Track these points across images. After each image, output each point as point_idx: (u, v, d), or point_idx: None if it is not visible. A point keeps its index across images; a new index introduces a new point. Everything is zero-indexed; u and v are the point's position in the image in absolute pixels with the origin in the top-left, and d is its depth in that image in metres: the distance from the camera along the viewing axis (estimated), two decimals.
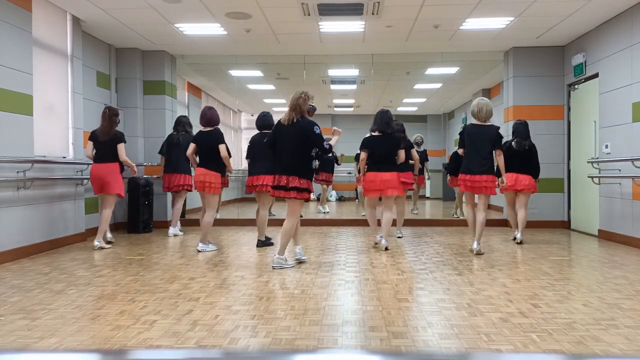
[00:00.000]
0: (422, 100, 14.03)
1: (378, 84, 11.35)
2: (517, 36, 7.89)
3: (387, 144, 6.08)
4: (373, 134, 6.17)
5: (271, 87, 12.09)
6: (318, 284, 4.31)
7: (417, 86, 12.05)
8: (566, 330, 3.08)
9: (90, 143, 6.33)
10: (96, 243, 6.30)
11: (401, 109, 15.77)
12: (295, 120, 4.99)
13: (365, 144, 6.14)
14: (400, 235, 7.21)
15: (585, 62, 7.67)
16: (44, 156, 6.17)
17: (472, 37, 7.94)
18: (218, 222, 9.16)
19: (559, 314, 3.40)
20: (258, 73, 10.85)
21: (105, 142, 6.25)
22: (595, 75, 7.39)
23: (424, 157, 9.77)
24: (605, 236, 7.07)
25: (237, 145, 14.63)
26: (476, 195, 6.00)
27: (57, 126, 6.60)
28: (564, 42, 8.28)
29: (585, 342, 2.89)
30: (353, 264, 5.23)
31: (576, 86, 8.12)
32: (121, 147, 6.27)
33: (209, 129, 6.11)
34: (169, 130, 8.87)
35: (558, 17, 6.93)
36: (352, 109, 15.02)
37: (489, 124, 5.93)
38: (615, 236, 6.81)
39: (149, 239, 7.30)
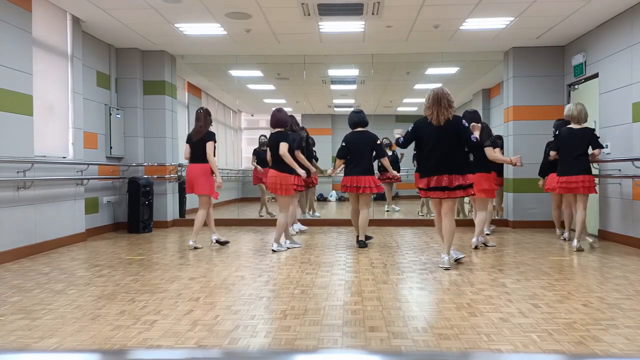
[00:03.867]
0: (422, 100, 14.00)
1: (378, 84, 11.35)
2: (517, 36, 7.89)
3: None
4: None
5: (271, 87, 12.10)
6: (318, 284, 4.31)
7: (417, 86, 12.05)
8: (566, 330, 3.08)
9: (187, 146, 6.33)
10: (190, 243, 6.29)
11: (401, 109, 15.76)
12: (450, 118, 4.99)
13: None
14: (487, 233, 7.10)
15: (585, 62, 7.67)
16: (44, 156, 6.17)
17: (472, 37, 7.94)
18: (219, 222, 9.16)
19: (559, 314, 3.40)
20: (258, 73, 10.86)
21: (197, 143, 6.26)
22: (595, 75, 7.38)
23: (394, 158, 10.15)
24: (605, 236, 7.07)
25: (237, 145, 14.64)
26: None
27: (57, 126, 6.60)
28: (564, 42, 8.28)
29: (585, 342, 2.89)
30: (353, 264, 5.23)
31: (576, 86, 8.11)
32: (209, 146, 6.21)
33: (277, 130, 6.12)
34: (169, 130, 8.87)
35: (558, 17, 6.93)
36: (352, 109, 15.00)
37: (584, 126, 6.14)
38: (615, 236, 6.81)
39: (149, 239, 7.31)
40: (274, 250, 6.02)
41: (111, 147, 8.12)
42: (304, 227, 7.97)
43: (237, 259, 5.61)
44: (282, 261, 5.42)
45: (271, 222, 7.55)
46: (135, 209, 7.96)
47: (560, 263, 5.30)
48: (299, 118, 16.86)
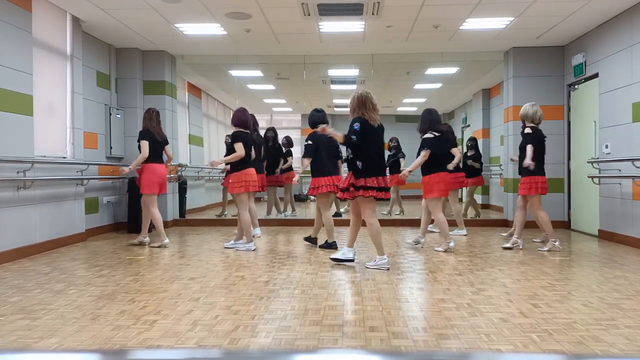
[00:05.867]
0: (422, 100, 14.03)
1: (378, 84, 11.35)
2: (517, 36, 7.89)
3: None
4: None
5: (271, 87, 12.10)
6: (318, 284, 4.31)
7: (417, 86, 12.05)
8: (566, 330, 3.08)
9: (147, 144, 6.33)
10: (166, 241, 6.45)
11: (401, 109, 15.77)
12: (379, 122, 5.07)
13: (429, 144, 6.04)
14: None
15: (585, 62, 7.67)
16: (44, 156, 6.17)
17: (472, 37, 7.94)
18: (220, 222, 9.16)
19: (559, 314, 3.40)
20: (258, 73, 10.85)
21: (162, 143, 6.50)
22: (595, 75, 7.38)
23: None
24: (605, 236, 7.07)
25: None
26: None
27: (57, 126, 6.60)
28: (564, 42, 8.28)
29: (585, 342, 2.89)
30: (353, 264, 5.22)
31: (576, 86, 8.12)
32: (169, 147, 6.65)
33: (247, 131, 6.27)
34: (169, 130, 8.87)
35: (558, 17, 6.93)
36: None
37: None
38: (615, 236, 6.81)
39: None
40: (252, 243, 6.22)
41: (111, 147, 8.12)
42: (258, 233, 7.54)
43: (237, 259, 5.61)
44: (282, 261, 5.42)
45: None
46: (135, 209, 7.93)
47: (560, 263, 5.30)
48: (298, 118, 16.93)
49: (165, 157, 6.58)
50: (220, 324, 3.23)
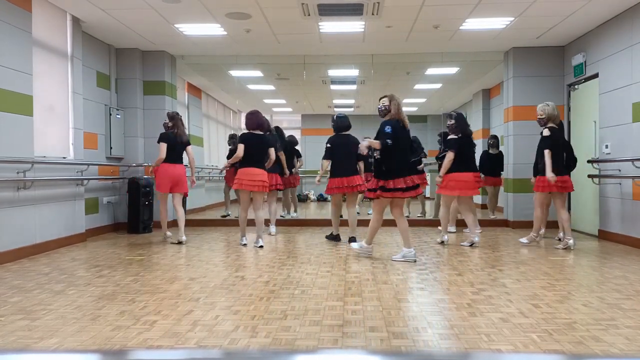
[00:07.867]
0: (422, 100, 14.02)
1: (378, 84, 11.34)
2: (517, 36, 7.89)
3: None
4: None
5: (271, 87, 12.09)
6: (318, 284, 4.31)
7: (417, 86, 12.04)
8: (566, 330, 3.08)
9: (165, 145, 6.67)
10: (184, 238, 6.80)
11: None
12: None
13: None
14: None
15: (585, 62, 7.67)
16: (44, 156, 6.17)
17: (472, 37, 7.94)
18: (221, 223, 9.16)
19: (559, 314, 3.40)
20: (258, 73, 10.85)
21: (180, 145, 6.78)
22: (595, 75, 7.38)
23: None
24: (605, 236, 7.07)
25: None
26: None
27: (57, 126, 6.60)
28: (564, 42, 8.28)
29: (585, 342, 2.89)
30: (353, 264, 5.23)
31: (576, 86, 8.12)
32: (192, 149, 6.91)
33: (258, 132, 6.39)
34: None
35: (558, 17, 6.93)
36: (352, 109, 15.02)
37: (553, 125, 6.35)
38: (615, 236, 6.81)
39: (149, 239, 7.31)
40: (262, 246, 6.35)
41: (111, 148, 8.12)
42: (273, 231, 7.74)
43: (237, 259, 5.61)
44: (282, 261, 5.42)
45: (250, 222, 7.27)
46: (135, 209, 7.95)
47: (560, 263, 5.30)
48: (298, 118, 16.92)
49: (187, 159, 6.94)
50: (220, 324, 3.23)
